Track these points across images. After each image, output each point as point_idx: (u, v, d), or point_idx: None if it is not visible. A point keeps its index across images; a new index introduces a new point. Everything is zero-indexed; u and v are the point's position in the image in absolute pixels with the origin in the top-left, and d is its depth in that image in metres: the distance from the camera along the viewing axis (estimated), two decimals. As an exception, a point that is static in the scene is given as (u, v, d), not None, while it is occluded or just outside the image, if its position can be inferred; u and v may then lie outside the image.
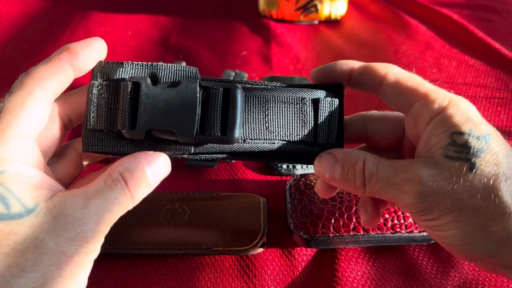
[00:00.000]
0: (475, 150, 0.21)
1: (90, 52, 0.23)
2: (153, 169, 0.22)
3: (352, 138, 0.30)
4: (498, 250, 0.21)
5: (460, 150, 0.22)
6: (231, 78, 0.53)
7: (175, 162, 0.44)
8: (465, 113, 0.23)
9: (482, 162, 0.21)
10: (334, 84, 0.27)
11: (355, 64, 0.27)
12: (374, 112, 0.30)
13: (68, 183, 0.26)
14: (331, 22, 0.69)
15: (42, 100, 0.22)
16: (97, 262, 0.36)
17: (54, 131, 0.24)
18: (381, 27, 0.68)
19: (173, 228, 0.36)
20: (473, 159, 0.21)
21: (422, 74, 0.26)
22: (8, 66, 0.59)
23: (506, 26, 0.66)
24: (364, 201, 0.30)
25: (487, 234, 0.21)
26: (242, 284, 0.34)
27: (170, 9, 0.72)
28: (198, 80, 0.23)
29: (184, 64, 0.55)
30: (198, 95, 0.23)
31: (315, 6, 0.66)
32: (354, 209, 0.35)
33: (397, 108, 0.26)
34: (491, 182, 0.21)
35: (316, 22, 0.69)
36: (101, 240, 0.21)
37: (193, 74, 0.24)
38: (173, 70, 0.23)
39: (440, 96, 0.23)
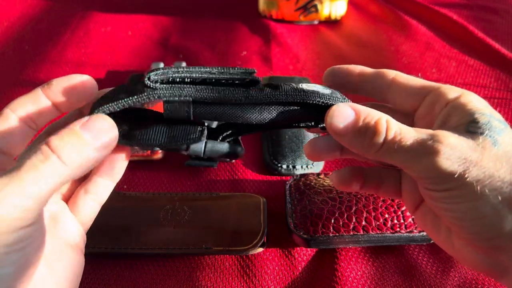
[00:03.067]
0: (497, 129, 0.22)
1: (64, 85, 0.24)
2: (87, 126, 0.21)
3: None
4: None
5: (484, 127, 0.22)
6: None
7: (175, 162, 0.44)
8: (482, 101, 0.24)
9: (504, 140, 0.22)
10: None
11: (366, 69, 0.27)
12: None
13: None
14: (331, 22, 0.69)
15: (10, 119, 0.23)
16: (97, 262, 0.37)
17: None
18: (381, 27, 0.68)
19: (173, 228, 0.36)
20: (495, 136, 0.22)
21: (422, 74, 0.26)
22: (8, 66, 0.59)
23: (506, 26, 0.66)
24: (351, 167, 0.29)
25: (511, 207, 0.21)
26: (242, 284, 0.34)
27: (170, 9, 0.72)
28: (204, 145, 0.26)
29: (184, 64, 0.55)
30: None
31: (315, 6, 0.66)
32: (354, 209, 0.35)
33: (407, 108, 0.27)
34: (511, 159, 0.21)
35: (316, 22, 0.69)
36: (27, 215, 0.19)
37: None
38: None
39: (452, 88, 0.25)
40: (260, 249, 0.35)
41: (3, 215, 0.18)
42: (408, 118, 0.28)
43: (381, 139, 0.22)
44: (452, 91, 0.24)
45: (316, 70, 0.58)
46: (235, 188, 0.42)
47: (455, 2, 0.72)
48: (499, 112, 0.55)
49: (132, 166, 0.44)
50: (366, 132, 0.23)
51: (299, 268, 0.35)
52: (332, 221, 0.35)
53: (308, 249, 0.36)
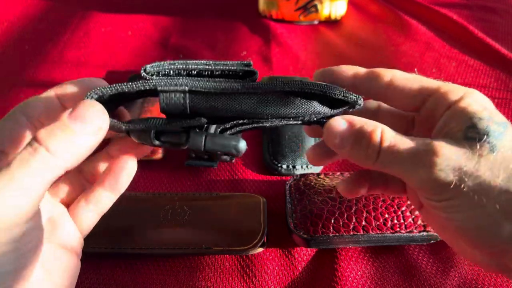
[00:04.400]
0: (496, 133, 0.21)
1: (79, 90, 0.24)
2: (75, 115, 0.21)
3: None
4: None
5: (482, 132, 0.21)
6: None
7: (175, 162, 0.44)
8: (482, 103, 0.23)
9: (502, 145, 0.21)
10: (351, 102, 0.25)
11: (360, 70, 0.26)
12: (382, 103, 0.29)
13: None
14: (331, 22, 0.69)
15: (20, 122, 0.23)
16: (97, 262, 0.37)
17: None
18: (381, 27, 0.68)
19: (173, 228, 0.36)
20: (494, 142, 0.21)
21: (422, 74, 0.26)
22: (8, 66, 0.59)
23: (506, 26, 0.66)
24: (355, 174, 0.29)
25: (508, 216, 0.20)
26: (242, 284, 0.34)
27: (170, 9, 0.72)
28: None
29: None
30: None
31: (315, 6, 0.66)
32: (354, 209, 0.35)
33: (407, 108, 0.26)
34: (511, 165, 0.21)
35: (316, 22, 0.69)
36: (23, 207, 0.19)
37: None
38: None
39: (455, 88, 0.23)
40: (260, 249, 0.35)
41: None
42: (407, 121, 0.28)
43: (376, 149, 0.22)
44: (452, 94, 0.23)
45: (316, 70, 0.58)
46: (235, 188, 0.42)
47: (455, 2, 0.72)
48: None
49: (132, 166, 0.44)
50: (361, 143, 0.23)
51: (299, 268, 0.35)
52: (332, 221, 0.35)
53: (308, 249, 0.36)
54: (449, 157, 0.21)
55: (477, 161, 0.21)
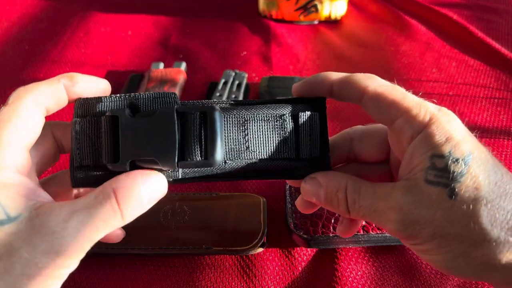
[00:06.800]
0: (455, 174, 0.21)
1: (88, 86, 0.25)
2: (148, 188, 0.22)
3: (341, 158, 0.29)
4: (480, 274, 0.21)
5: (440, 174, 0.21)
6: (231, 79, 0.53)
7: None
8: (446, 131, 0.22)
9: (462, 187, 0.21)
10: (315, 98, 0.26)
11: (335, 76, 0.25)
12: (357, 127, 0.29)
13: (40, 170, 0.26)
14: (331, 22, 0.69)
15: (34, 113, 0.23)
16: (97, 262, 0.37)
17: (46, 146, 0.25)
18: (381, 27, 0.68)
19: (173, 228, 0.36)
20: (452, 185, 0.21)
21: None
22: (8, 66, 0.59)
23: (506, 26, 0.66)
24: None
25: (469, 260, 0.21)
26: (242, 284, 0.34)
27: (170, 9, 0.72)
28: (176, 106, 0.23)
29: (184, 64, 0.55)
30: (175, 121, 0.22)
31: (315, 6, 0.66)
32: (354, 209, 0.35)
33: (380, 122, 0.25)
34: (470, 207, 0.20)
35: (316, 22, 0.69)
36: (79, 256, 0.21)
37: (171, 99, 0.23)
38: (151, 98, 0.23)
39: (422, 112, 0.22)
40: (260, 249, 0.35)
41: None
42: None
43: (345, 207, 0.24)
44: (417, 120, 0.22)
45: (316, 70, 0.58)
46: (235, 188, 0.42)
47: (455, 2, 0.72)
48: (499, 112, 0.55)
49: (132, 166, 0.44)
50: (332, 203, 0.25)
51: (299, 268, 0.35)
52: (332, 221, 0.35)
53: (308, 249, 0.36)
54: (407, 211, 0.21)
55: (435, 210, 0.21)
